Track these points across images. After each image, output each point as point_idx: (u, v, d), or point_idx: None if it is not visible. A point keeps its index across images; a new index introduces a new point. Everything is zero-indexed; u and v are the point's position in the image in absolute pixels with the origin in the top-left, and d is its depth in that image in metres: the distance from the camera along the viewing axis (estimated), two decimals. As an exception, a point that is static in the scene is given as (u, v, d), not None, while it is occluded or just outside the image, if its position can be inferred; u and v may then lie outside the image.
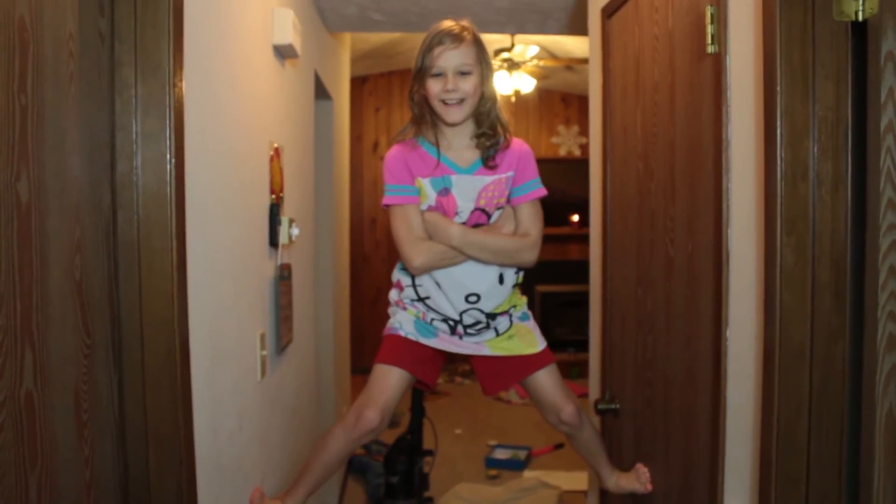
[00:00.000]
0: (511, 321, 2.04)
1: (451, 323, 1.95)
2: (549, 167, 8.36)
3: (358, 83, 8.08)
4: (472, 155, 1.90)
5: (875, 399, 1.21)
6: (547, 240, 7.32)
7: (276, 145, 2.23)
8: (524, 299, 2.10)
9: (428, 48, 1.80)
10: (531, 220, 1.92)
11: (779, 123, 1.31)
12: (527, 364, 2.04)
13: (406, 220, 1.87)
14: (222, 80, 1.68)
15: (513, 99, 7.32)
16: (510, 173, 1.91)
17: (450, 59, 1.78)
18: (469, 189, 1.89)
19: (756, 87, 1.41)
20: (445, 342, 1.97)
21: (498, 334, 2.01)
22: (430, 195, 1.87)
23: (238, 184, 1.79)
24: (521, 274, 2.01)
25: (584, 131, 8.27)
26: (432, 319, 1.97)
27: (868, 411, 1.22)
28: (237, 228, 1.77)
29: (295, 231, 2.25)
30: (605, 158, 2.38)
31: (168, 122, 1.27)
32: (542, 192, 1.95)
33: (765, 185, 1.34)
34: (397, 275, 2.04)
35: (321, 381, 4.10)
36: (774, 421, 1.32)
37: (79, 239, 1.10)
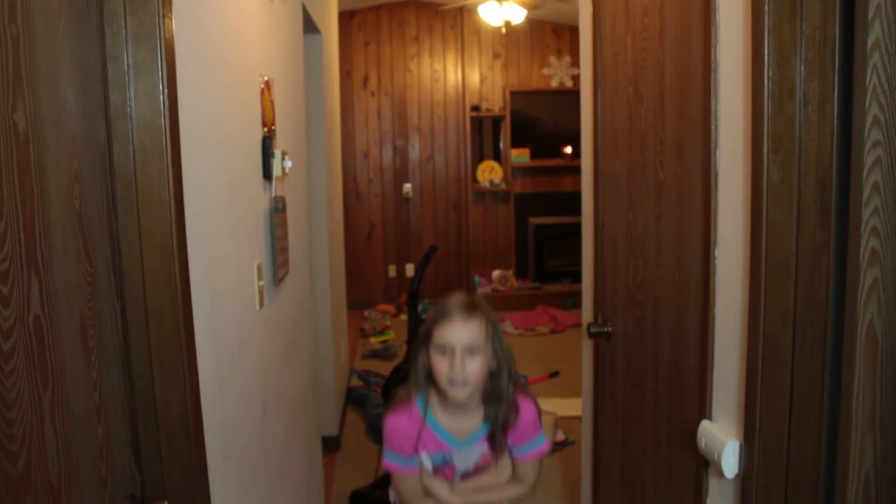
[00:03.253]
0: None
1: None
2: (541, 99, 8.33)
3: (346, 17, 7.96)
4: (475, 423, 1.88)
5: (857, 312, 1.24)
6: (540, 172, 7.38)
7: (266, 78, 2.22)
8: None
9: (437, 319, 1.78)
10: (531, 475, 1.95)
11: (766, 42, 1.31)
12: None
13: (407, 487, 1.90)
14: (211, 13, 1.67)
15: (503, 30, 7.24)
16: (509, 444, 1.91)
17: (458, 335, 1.75)
18: (469, 457, 1.90)
19: (744, 8, 1.42)
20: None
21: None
22: (427, 465, 1.89)
23: (230, 116, 1.79)
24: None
25: (577, 62, 8.18)
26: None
27: (850, 324, 1.27)
28: (231, 160, 1.78)
29: (288, 163, 2.26)
30: (596, 85, 2.38)
31: (159, 53, 1.27)
32: (545, 449, 1.95)
33: (752, 104, 1.36)
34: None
35: (318, 314, 4.16)
36: (760, 334, 1.36)
37: (77, 169, 1.12)
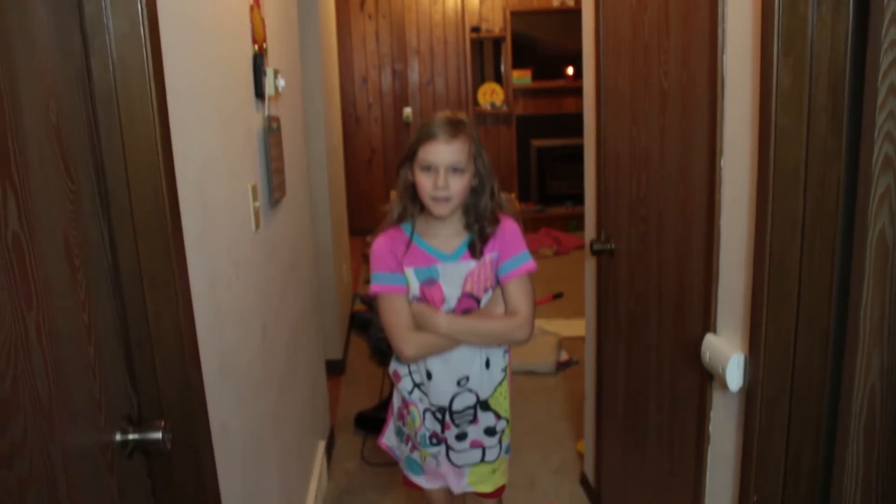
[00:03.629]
0: (500, 450, 2.05)
1: (440, 416, 1.96)
2: (543, 19, 8.12)
3: (341, -66, 7.70)
4: (458, 240, 1.88)
5: (868, 220, 1.20)
6: (542, 93, 7.24)
7: (254, -8, 2.14)
8: (507, 402, 2.04)
9: (422, 139, 1.76)
10: (520, 298, 1.85)
11: (778, -65, 1.24)
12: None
13: (394, 311, 1.84)
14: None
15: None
16: (493, 254, 1.87)
17: (442, 155, 1.74)
18: (455, 276, 1.86)
19: None
20: (430, 477, 2.08)
21: (484, 459, 2.03)
22: (414, 285, 1.86)
23: (217, 30, 1.72)
24: (508, 357, 2.00)
25: (578, -23, 7.96)
26: (424, 416, 1.98)
27: (860, 232, 1.23)
28: (219, 77, 1.72)
29: (281, 82, 2.19)
30: (598, -6, 2.30)
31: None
32: (530, 266, 1.88)
33: (762, 3, 1.29)
34: (393, 365, 2.02)
35: (319, 238, 4.13)
36: (767, 244, 1.32)
37: (51, 83, 1.06)
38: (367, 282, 6.66)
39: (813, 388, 1.34)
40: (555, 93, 8.17)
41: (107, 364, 1.17)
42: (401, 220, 1.90)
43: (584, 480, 3.06)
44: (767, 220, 1.31)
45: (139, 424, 1.24)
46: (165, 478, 1.32)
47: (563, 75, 8.10)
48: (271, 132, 2.18)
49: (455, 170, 1.75)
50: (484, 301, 1.89)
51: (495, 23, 8.13)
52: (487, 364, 1.93)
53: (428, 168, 1.76)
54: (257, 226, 1.99)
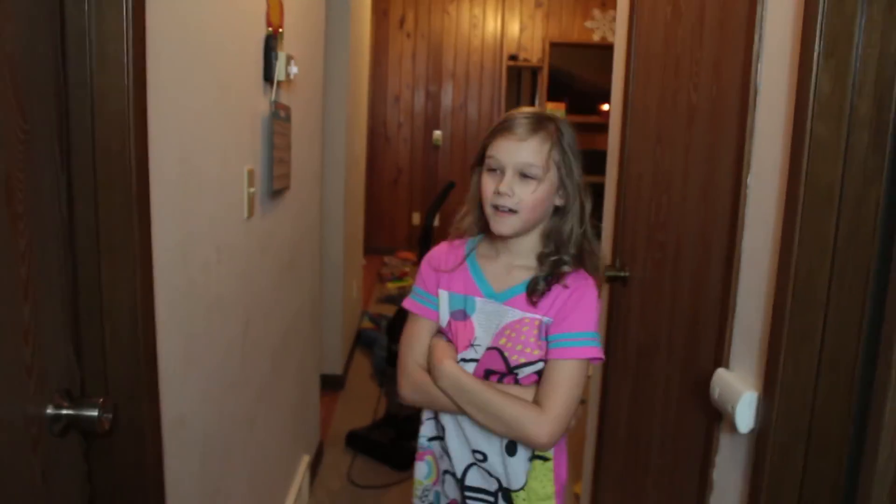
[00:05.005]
0: None
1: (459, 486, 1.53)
2: (580, 53, 8.05)
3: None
4: (520, 276, 1.45)
5: (907, 248, 1.07)
6: (575, 128, 7.09)
7: (275, -25, 2.05)
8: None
9: (493, 133, 1.42)
10: (557, 388, 1.36)
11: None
12: None
13: (412, 336, 1.50)
14: None
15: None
16: (546, 318, 1.41)
17: (511, 153, 1.38)
18: (492, 319, 1.45)
19: None
20: None
21: None
22: (444, 313, 1.49)
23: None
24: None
25: (621, 15, 7.89)
26: (444, 478, 1.56)
27: (899, 262, 1.09)
28: (220, 45, 1.61)
29: (294, 69, 2.10)
30: (633, 4, 2.19)
31: None
32: (592, 352, 1.39)
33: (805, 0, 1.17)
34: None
35: (329, 249, 4.04)
36: (792, 271, 1.18)
37: (9, 7, 0.96)
38: (379, 300, 6.52)
39: (832, 436, 1.20)
40: (588, 128, 8.04)
41: (45, 328, 1.06)
42: (469, 232, 1.54)
43: (578, 523, 2.89)
44: (794, 243, 1.18)
45: (78, 401, 1.12)
46: (104, 462, 1.20)
47: (598, 111, 8.00)
48: (278, 119, 2.07)
49: (526, 175, 1.38)
50: (522, 375, 1.42)
51: (533, 53, 8.07)
52: (512, 450, 1.46)
53: (494, 170, 1.40)
54: (250, 213, 1.87)
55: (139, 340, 1.18)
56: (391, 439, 3.47)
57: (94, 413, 1.09)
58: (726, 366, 1.46)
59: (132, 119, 1.13)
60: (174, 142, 1.35)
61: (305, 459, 2.97)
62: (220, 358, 1.70)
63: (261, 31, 1.94)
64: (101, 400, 1.11)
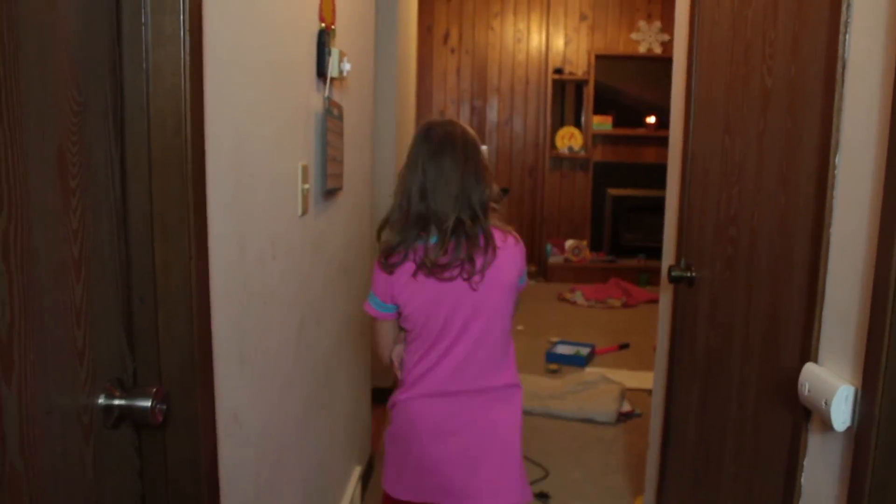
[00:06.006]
0: None
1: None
2: (626, 65, 7.95)
3: (427, -34, 7.72)
4: None
5: None
6: (621, 141, 7.02)
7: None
8: None
9: None
10: None
11: None
12: None
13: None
14: None
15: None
16: None
17: None
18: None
19: None
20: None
21: None
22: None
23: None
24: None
25: (667, 27, 7.78)
26: None
27: None
28: (275, 32, 1.57)
29: (346, 66, 2.05)
30: (695, -5, 2.11)
31: None
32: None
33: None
34: None
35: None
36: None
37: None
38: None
39: (942, 433, 1.09)
40: (635, 141, 7.95)
41: (97, 312, 1.00)
42: None
43: (640, 540, 2.76)
44: (896, 221, 1.08)
45: (130, 390, 1.07)
46: (156, 458, 1.14)
47: (644, 124, 7.88)
48: (331, 117, 2.03)
49: None
50: None
51: (579, 66, 7.98)
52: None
53: None
54: (304, 210, 1.82)
55: (194, 328, 1.12)
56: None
57: (147, 404, 1.03)
58: (815, 360, 1.36)
59: (188, 94, 1.08)
60: (229, 125, 1.30)
61: (357, 470, 2.90)
62: (273, 356, 1.64)
63: (314, 26, 1.90)
64: (155, 390, 1.05)
